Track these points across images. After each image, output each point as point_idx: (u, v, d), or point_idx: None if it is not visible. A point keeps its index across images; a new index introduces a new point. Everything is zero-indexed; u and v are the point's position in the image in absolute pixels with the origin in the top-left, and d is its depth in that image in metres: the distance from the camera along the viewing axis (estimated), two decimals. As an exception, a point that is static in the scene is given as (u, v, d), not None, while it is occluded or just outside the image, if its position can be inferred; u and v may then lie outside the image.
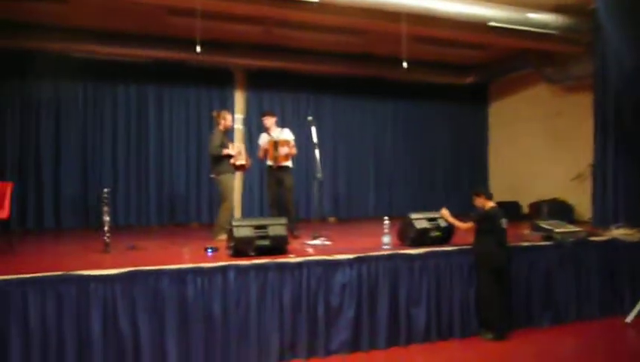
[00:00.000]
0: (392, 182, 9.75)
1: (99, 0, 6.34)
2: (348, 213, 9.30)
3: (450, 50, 8.29)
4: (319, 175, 5.74)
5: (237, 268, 4.26)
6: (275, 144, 6.25)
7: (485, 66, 9.34)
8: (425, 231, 5.18)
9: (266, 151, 6.41)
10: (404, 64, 5.98)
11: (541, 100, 9.17)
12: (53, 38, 7.09)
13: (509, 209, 8.72)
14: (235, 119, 8.64)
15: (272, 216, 6.32)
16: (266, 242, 4.61)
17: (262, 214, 8.59)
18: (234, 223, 4.59)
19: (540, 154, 9.17)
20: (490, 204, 5.05)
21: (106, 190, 5.10)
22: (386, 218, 5.17)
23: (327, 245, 5.44)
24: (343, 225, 8.47)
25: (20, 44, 7.01)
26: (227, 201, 6.03)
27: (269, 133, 6.47)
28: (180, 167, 8.30)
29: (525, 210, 8.98)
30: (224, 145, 6.03)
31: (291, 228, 5.80)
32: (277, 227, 4.70)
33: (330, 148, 9.11)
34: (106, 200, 5.06)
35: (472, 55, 8.75)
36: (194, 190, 8.37)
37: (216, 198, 8.41)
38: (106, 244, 5.04)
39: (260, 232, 4.62)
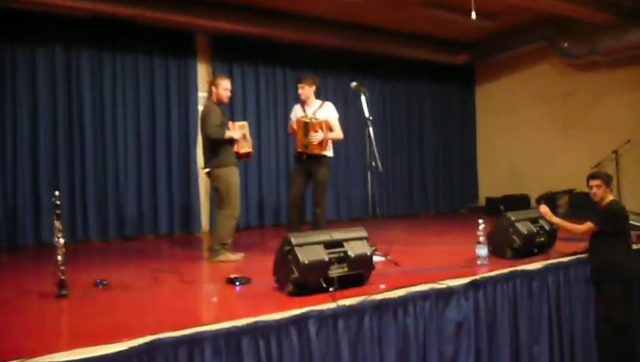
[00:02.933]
0: (377, 174, 8.28)
1: None
2: (335, 212, 7.69)
3: (455, 20, 6.99)
4: (376, 164, 4.07)
5: (320, 316, 2.57)
6: (306, 126, 4.42)
7: (486, 41, 8.20)
8: (532, 236, 3.81)
9: (294, 131, 4.61)
10: (473, 15, 4.52)
11: (542, 82, 8.24)
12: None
13: (516, 203, 7.78)
14: (199, 98, 6.73)
15: (291, 220, 4.58)
16: (344, 268, 2.93)
17: (248, 221, 6.73)
18: (294, 240, 2.84)
19: (544, 142, 8.23)
20: (611, 197, 3.81)
21: (57, 193, 3.09)
22: (480, 221, 3.70)
23: (397, 263, 3.81)
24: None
25: None
26: (231, 206, 4.18)
27: (303, 108, 4.65)
28: (128, 162, 6.14)
29: (533, 203, 8.02)
30: (225, 125, 4.17)
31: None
32: (357, 243, 3.03)
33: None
34: (57, 211, 3.05)
35: (478, 27, 7.54)
36: (148, 192, 6.25)
37: (186, 201, 6.45)
38: (61, 284, 3.04)
39: (335, 253, 2.93)
